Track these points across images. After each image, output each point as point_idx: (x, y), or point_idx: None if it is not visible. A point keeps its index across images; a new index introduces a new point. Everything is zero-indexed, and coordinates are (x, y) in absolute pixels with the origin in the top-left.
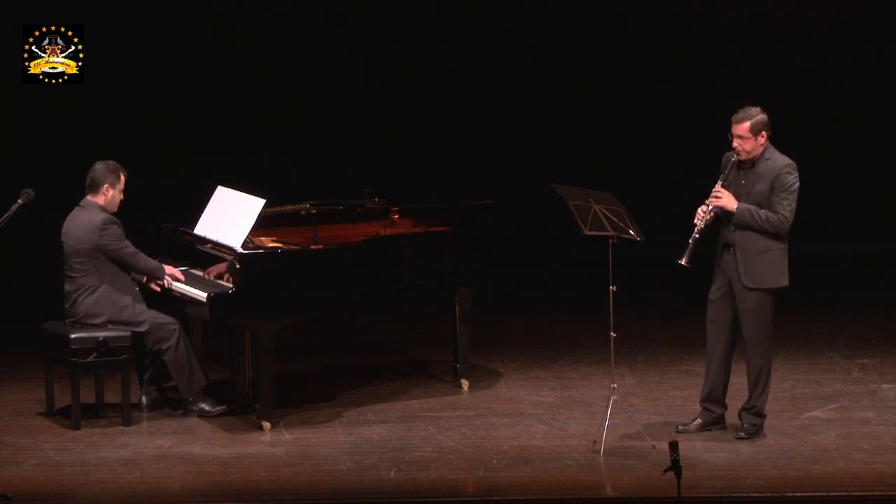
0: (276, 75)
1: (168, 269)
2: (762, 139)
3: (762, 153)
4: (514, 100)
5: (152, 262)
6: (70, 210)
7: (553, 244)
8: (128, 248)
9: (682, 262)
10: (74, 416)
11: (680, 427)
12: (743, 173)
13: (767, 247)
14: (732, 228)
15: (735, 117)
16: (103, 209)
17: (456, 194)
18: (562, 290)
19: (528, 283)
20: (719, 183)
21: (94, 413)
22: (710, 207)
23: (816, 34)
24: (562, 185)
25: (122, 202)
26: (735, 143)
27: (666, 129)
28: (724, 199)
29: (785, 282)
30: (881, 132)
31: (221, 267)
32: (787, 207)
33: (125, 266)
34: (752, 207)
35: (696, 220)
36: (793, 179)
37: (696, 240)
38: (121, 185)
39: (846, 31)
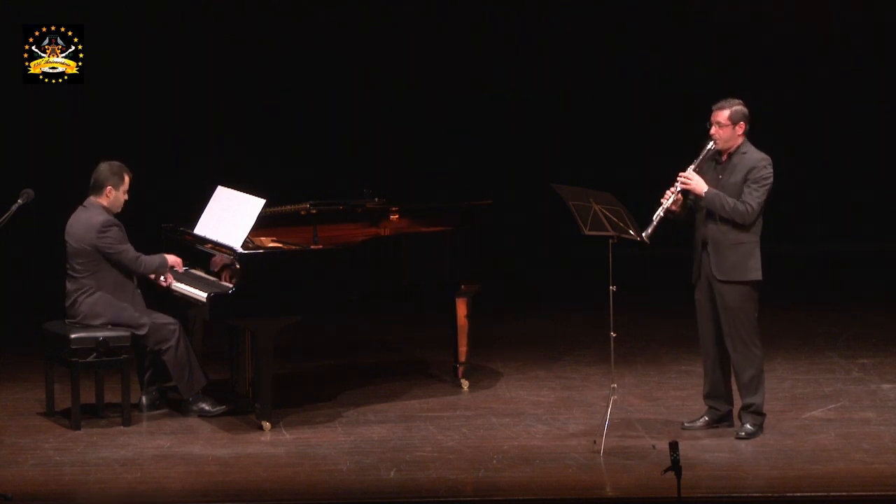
0: (276, 75)
1: (170, 258)
2: (740, 129)
3: (739, 147)
4: (514, 100)
5: (154, 261)
6: (72, 209)
7: (553, 244)
8: (128, 252)
9: (643, 237)
10: (74, 416)
11: (686, 424)
12: (720, 168)
13: (739, 239)
14: (707, 224)
15: (715, 105)
16: (106, 210)
17: (456, 194)
18: (562, 290)
19: (528, 283)
20: (691, 167)
21: (94, 413)
22: (679, 189)
23: (817, 34)
24: (562, 185)
25: (126, 203)
26: (712, 131)
27: (666, 129)
28: (692, 182)
29: (758, 275)
30: (881, 132)
31: (222, 259)
32: (755, 199)
33: (125, 270)
34: (722, 194)
35: (662, 199)
36: (766, 173)
37: (659, 217)
38: (124, 187)
39: (847, 30)
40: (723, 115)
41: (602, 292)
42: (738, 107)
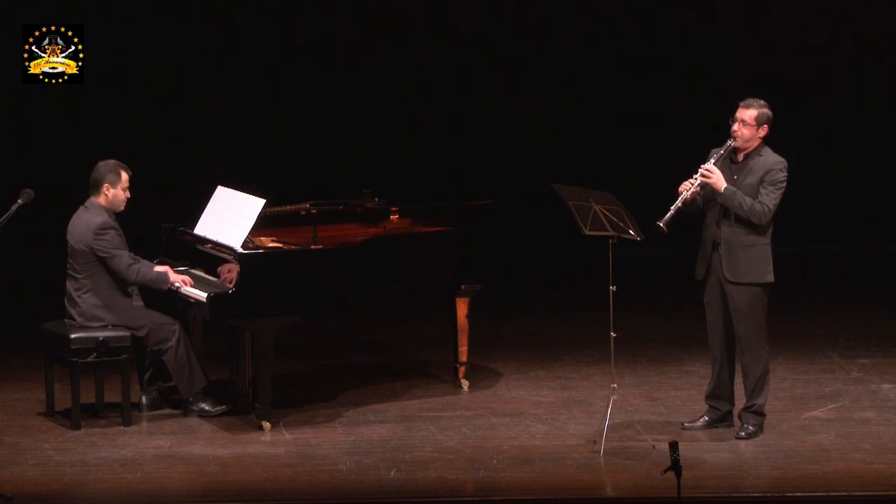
0: (276, 75)
1: (172, 276)
2: (762, 132)
3: (756, 149)
4: (514, 100)
5: (149, 273)
6: (72, 209)
7: (553, 244)
8: (122, 258)
9: (661, 225)
10: (74, 416)
11: (686, 424)
12: (735, 168)
13: (752, 241)
14: (720, 224)
15: (743, 102)
16: (106, 210)
17: (456, 194)
18: (562, 290)
19: (528, 283)
20: (711, 161)
21: (94, 413)
22: (698, 182)
23: (817, 33)
24: (562, 184)
25: (128, 200)
26: (735, 127)
27: (666, 130)
28: (713, 176)
29: (770, 277)
30: (882, 132)
31: (234, 268)
32: (771, 200)
33: (116, 276)
34: (739, 192)
35: (680, 189)
36: (782, 176)
37: (678, 208)
38: (122, 184)
39: (848, 30)
40: (749, 114)
41: (602, 292)
42: (765, 109)
